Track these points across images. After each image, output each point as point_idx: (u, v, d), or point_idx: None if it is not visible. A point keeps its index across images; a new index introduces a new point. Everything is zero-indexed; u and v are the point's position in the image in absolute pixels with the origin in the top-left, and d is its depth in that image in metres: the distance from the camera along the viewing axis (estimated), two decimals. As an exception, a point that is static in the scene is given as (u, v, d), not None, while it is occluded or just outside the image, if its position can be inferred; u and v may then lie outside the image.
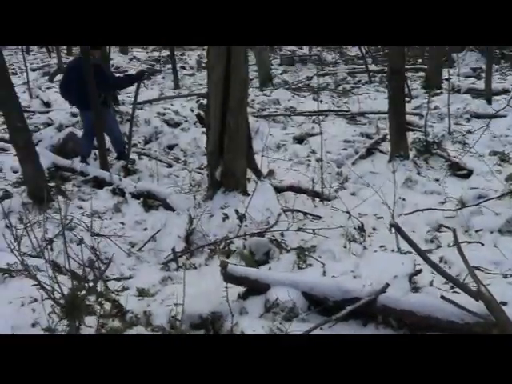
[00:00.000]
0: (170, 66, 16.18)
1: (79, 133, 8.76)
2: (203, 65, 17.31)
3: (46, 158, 7.48)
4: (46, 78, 17.02)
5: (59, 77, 16.60)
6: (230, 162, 6.18)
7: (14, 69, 18.92)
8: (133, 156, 8.47)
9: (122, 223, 6.18)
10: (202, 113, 9.26)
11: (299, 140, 9.48)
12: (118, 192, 6.85)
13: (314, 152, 8.73)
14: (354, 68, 16.73)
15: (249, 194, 6.15)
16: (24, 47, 23.27)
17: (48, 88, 14.99)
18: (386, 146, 8.77)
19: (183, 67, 18.20)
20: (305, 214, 6.21)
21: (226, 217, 5.76)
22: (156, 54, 19.82)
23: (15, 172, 7.60)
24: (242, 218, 5.70)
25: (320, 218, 6.15)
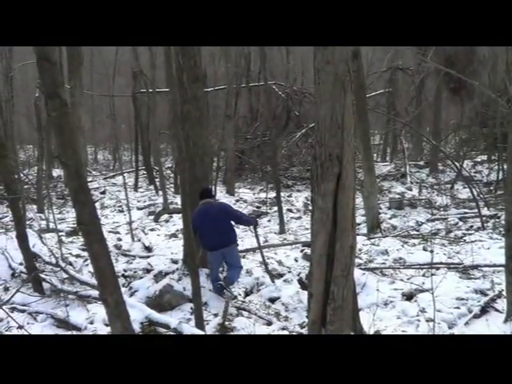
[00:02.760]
0: (276, 208, 16.23)
1: (176, 285, 8.88)
2: (310, 207, 17.34)
3: (140, 312, 7.51)
4: (152, 217, 17.38)
5: (165, 217, 17.00)
6: (333, 335, 5.74)
7: (120, 206, 19.66)
8: (232, 310, 8.36)
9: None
10: (305, 279, 9.11)
11: (408, 296, 8.97)
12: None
13: (423, 311, 8.22)
14: (466, 212, 16.14)
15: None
16: (133, 185, 24.30)
17: (152, 230, 15.28)
18: (501, 304, 8.16)
19: (290, 210, 18.21)
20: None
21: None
22: (263, 195, 20.02)
23: (107, 325, 7.30)
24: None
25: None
